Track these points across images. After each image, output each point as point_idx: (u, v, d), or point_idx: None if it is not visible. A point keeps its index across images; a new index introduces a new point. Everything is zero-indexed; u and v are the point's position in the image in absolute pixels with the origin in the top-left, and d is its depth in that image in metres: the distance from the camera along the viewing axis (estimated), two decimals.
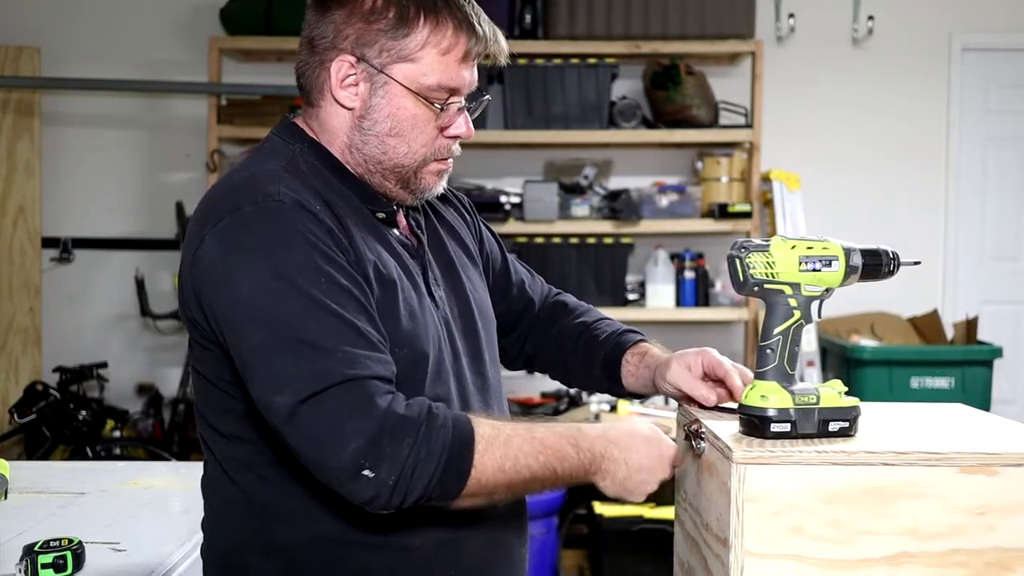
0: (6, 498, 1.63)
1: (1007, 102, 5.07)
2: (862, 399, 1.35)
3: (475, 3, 1.41)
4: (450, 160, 1.45)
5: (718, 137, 4.68)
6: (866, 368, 4.28)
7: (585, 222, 4.59)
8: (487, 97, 1.48)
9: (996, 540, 1.22)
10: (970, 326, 4.52)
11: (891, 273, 1.33)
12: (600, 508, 3.65)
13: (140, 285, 4.51)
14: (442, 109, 1.39)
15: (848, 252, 1.30)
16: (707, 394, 1.48)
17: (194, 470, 1.93)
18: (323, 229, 1.29)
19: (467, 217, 1.65)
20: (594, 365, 1.64)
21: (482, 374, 1.50)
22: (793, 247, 1.28)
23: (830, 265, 1.28)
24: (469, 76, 1.40)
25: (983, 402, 4.29)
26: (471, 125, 1.43)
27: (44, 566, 1.26)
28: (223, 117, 4.65)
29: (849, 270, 1.29)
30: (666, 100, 4.57)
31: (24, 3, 4.93)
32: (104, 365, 4.39)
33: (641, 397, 1.63)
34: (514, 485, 1.29)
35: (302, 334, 1.23)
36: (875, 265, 1.31)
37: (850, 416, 1.29)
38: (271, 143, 1.44)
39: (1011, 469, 1.23)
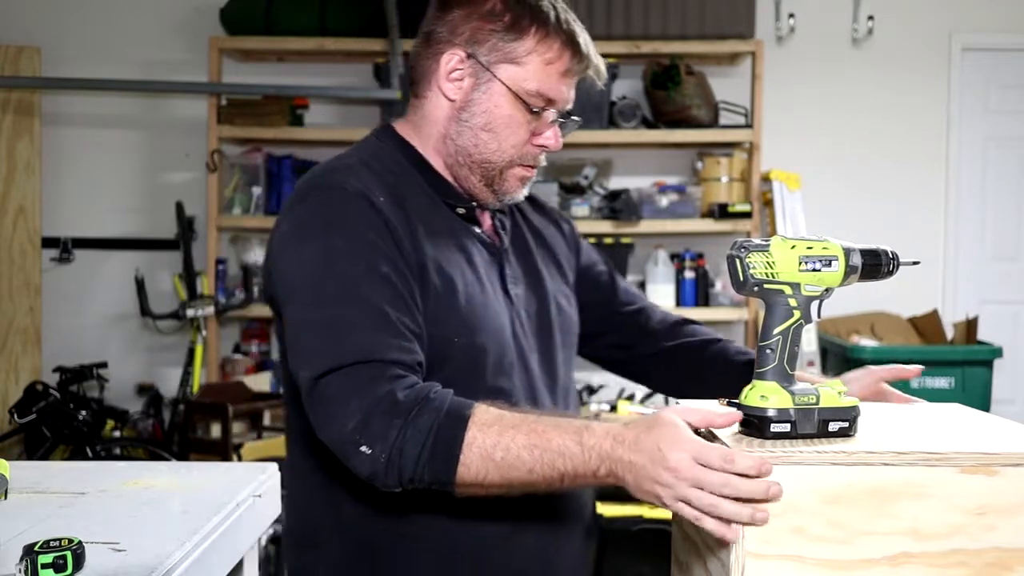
0: (6, 498, 1.63)
1: (1007, 102, 5.07)
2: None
3: (585, 32, 1.50)
4: (535, 169, 1.52)
5: (718, 137, 4.68)
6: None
7: (585, 222, 4.59)
8: (578, 119, 1.54)
9: (996, 540, 1.22)
10: (970, 326, 4.52)
11: (890, 273, 1.33)
12: (600, 508, 3.65)
13: (140, 285, 4.51)
14: (536, 115, 1.47)
15: (848, 252, 1.29)
16: None
17: (194, 470, 1.92)
18: (378, 219, 1.37)
19: (566, 236, 1.71)
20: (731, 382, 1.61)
21: (552, 373, 1.54)
22: (793, 247, 1.28)
23: (830, 265, 1.28)
24: (567, 92, 1.49)
25: (983, 402, 4.29)
26: (560, 139, 1.50)
27: (44, 566, 1.26)
28: (223, 117, 4.65)
29: (849, 270, 1.29)
30: (666, 100, 4.57)
31: (24, 3, 4.93)
32: (104, 365, 4.39)
33: None
34: (508, 476, 1.26)
35: (331, 314, 1.31)
36: (875, 265, 1.31)
37: (850, 416, 1.29)
38: (365, 141, 1.54)
39: (1011, 469, 1.23)
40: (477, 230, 1.52)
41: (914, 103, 5.00)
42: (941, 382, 4.35)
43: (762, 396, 1.27)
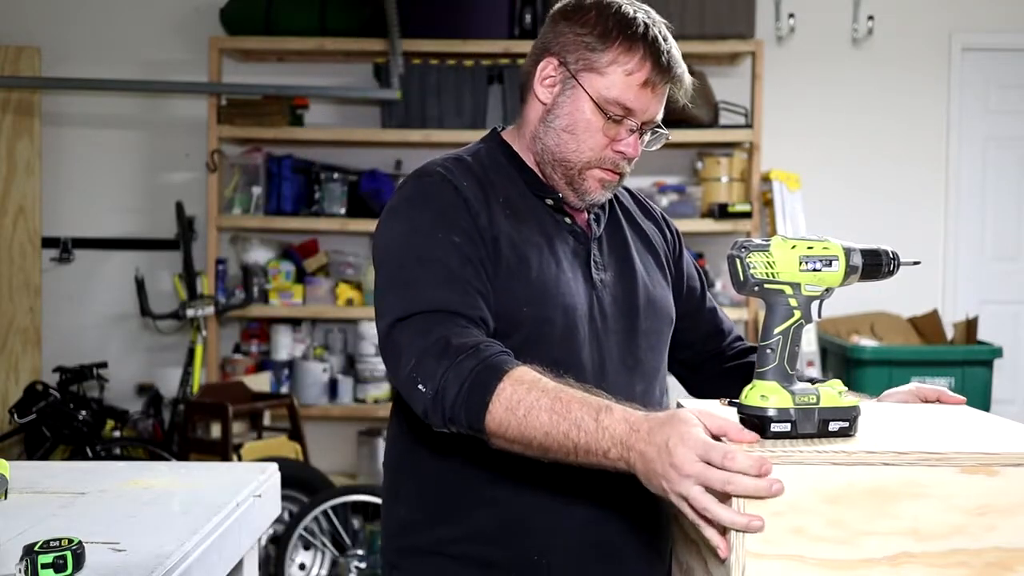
0: (6, 498, 1.63)
1: (1007, 102, 5.07)
2: None
3: (674, 47, 1.60)
4: (617, 175, 1.62)
5: (718, 137, 4.68)
6: (866, 368, 4.28)
7: None
8: (666, 132, 1.65)
9: (996, 540, 1.22)
10: (970, 326, 4.52)
11: (891, 273, 1.33)
12: None
13: (140, 285, 4.51)
14: (613, 122, 1.57)
15: (848, 252, 1.30)
16: None
17: (194, 470, 1.92)
18: (457, 198, 1.53)
19: (668, 237, 1.81)
20: None
21: (634, 356, 1.63)
22: (794, 247, 1.28)
23: (830, 265, 1.28)
24: (647, 103, 1.58)
25: (983, 402, 4.29)
26: (638, 147, 1.61)
27: (44, 566, 1.26)
28: (223, 117, 4.65)
29: (849, 270, 1.29)
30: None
31: (24, 3, 4.93)
32: (104, 365, 4.39)
33: None
34: (526, 434, 1.34)
35: (408, 275, 1.49)
36: (875, 265, 1.32)
37: (850, 416, 1.29)
38: (472, 144, 1.71)
39: (1011, 469, 1.23)
40: (567, 220, 1.64)
41: (914, 103, 5.00)
42: (941, 382, 4.35)
43: (762, 396, 1.27)
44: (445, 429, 1.42)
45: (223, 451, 3.94)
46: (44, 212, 4.88)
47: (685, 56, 1.68)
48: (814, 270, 1.28)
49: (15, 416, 3.99)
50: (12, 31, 4.86)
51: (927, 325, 4.70)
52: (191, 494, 1.70)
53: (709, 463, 1.19)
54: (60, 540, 1.30)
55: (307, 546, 3.89)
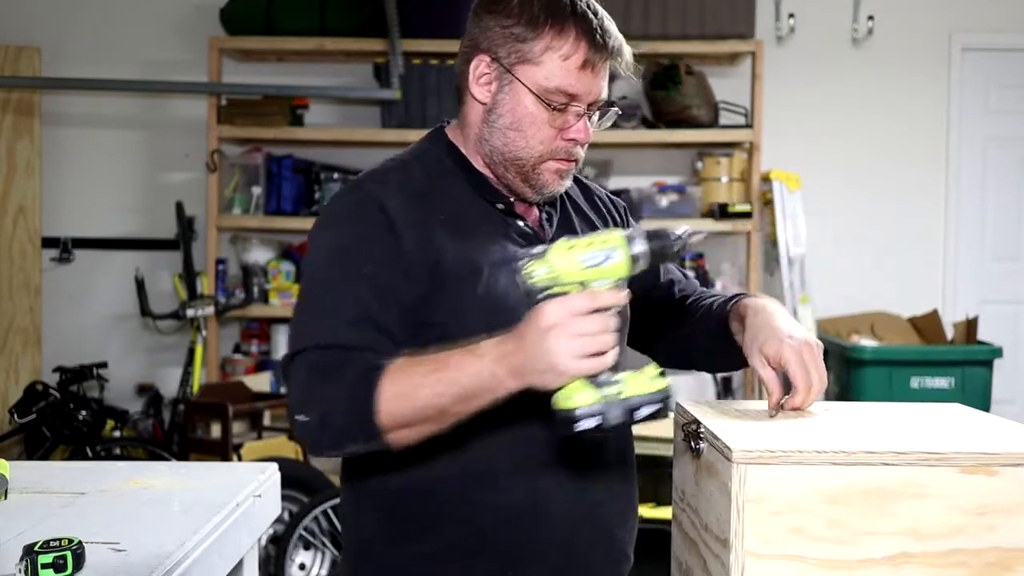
0: (6, 498, 1.63)
1: (1007, 102, 5.08)
2: (862, 399, 1.35)
3: (607, 19, 1.51)
4: (572, 163, 1.55)
5: (718, 137, 4.68)
6: (866, 368, 4.28)
7: None
8: (615, 109, 1.56)
9: (996, 540, 1.22)
10: (970, 326, 4.52)
11: (679, 253, 1.30)
12: None
13: (140, 285, 4.51)
14: (558, 112, 1.49)
15: (630, 240, 1.28)
16: (775, 389, 1.48)
17: (194, 470, 1.92)
18: (381, 221, 1.47)
19: (617, 220, 1.73)
20: (713, 343, 1.64)
21: None
22: (571, 247, 1.27)
23: (611, 257, 1.27)
24: (590, 84, 1.50)
25: (983, 402, 4.29)
26: (589, 131, 1.53)
27: (44, 566, 1.26)
28: (223, 117, 4.65)
29: (634, 258, 1.28)
30: (666, 100, 4.57)
31: (24, 3, 4.93)
32: (104, 365, 4.39)
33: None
34: (420, 407, 1.34)
35: (313, 306, 1.47)
36: (661, 248, 1.29)
37: (659, 399, 1.27)
38: (419, 142, 1.64)
39: (1011, 469, 1.23)
40: (520, 223, 1.56)
41: (914, 103, 5.00)
42: (941, 382, 4.35)
43: (566, 396, 1.27)
44: (336, 453, 1.43)
45: (223, 451, 3.93)
46: (44, 212, 4.88)
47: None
48: (596, 265, 1.27)
49: (15, 416, 3.99)
50: (12, 31, 4.86)
51: (927, 325, 4.70)
52: (191, 494, 1.69)
53: (576, 312, 1.25)
54: (60, 540, 1.30)
55: (307, 546, 3.89)
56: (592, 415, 1.25)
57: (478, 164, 1.58)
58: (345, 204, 1.53)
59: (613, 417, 1.26)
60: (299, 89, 4.73)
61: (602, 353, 1.26)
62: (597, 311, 1.26)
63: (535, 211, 1.60)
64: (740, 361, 1.57)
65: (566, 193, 1.65)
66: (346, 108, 4.92)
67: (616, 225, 1.72)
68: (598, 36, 1.48)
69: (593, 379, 1.26)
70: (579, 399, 1.26)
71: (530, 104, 1.50)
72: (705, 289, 1.79)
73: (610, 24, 1.51)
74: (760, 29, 4.70)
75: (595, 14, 1.50)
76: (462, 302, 1.47)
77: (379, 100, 4.67)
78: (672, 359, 1.77)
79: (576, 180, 1.70)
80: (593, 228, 1.65)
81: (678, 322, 1.73)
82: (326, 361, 1.40)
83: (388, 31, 4.43)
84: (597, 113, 1.53)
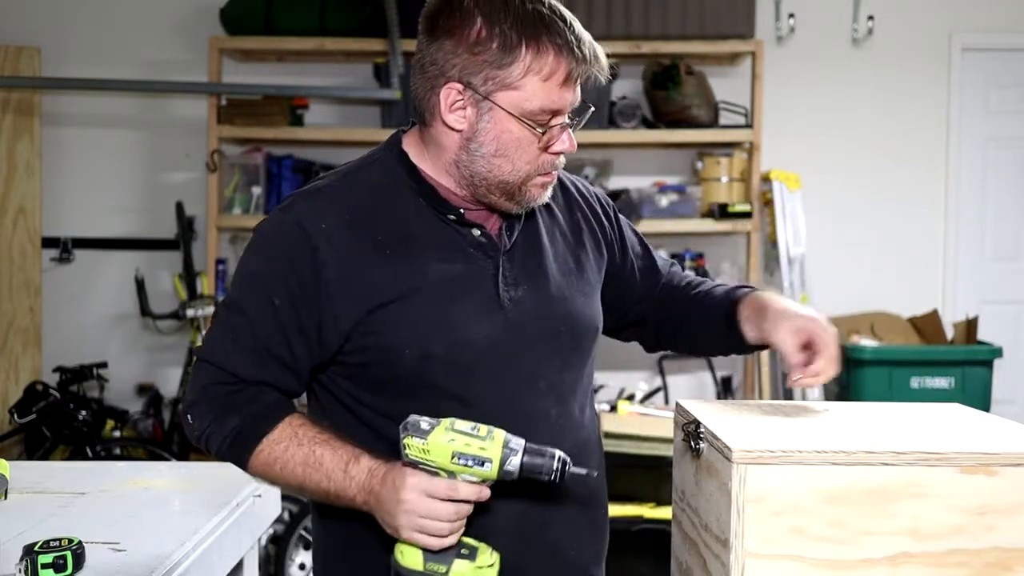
0: (6, 498, 1.63)
1: (1007, 102, 5.07)
2: (862, 399, 1.35)
3: (576, 24, 1.46)
4: (554, 173, 1.51)
5: (718, 137, 4.68)
6: (866, 368, 4.28)
7: None
8: (591, 108, 1.51)
9: (996, 540, 1.22)
10: (970, 326, 4.52)
11: (554, 481, 1.32)
12: None
13: (140, 285, 4.51)
14: (544, 131, 1.45)
15: (505, 457, 1.30)
16: (797, 362, 1.52)
17: (194, 470, 1.92)
18: (304, 250, 1.45)
19: (601, 218, 1.70)
20: (714, 325, 1.66)
21: (547, 378, 1.54)
22: (452, 440, 1.31)
23: (483, 465, 1.31)
24: (571, 96, 1.46)
25: (983, 402, 4.29)
26: (574, 141, 1.50)
27: (44, 566, 1.26)
28: (223, 117, 4.65)
29: (503, 473, 1.31)
30: (666, 100, 4.57)
31: (24, 3, 4.93)
32: (104, 365, 4.39)
33: (763, 348, 1.63)
34: (287, 483, 1.47)
35: (222, 321, 1.50)
36: (535, 471, 1.32)
37: None
38: (374, 149, 1.60)
39: (1011, 469, 1.23)
40: (475, 233, 1.51)
41: (914, 103, 5.00)
42: (941, 382, 4.35)
43: (400, 551, 1.36)
44: (214, 455, 1.53)
45: None
46: (44, 212, 4.88)
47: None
48: (466, 466, 1.31)
49: (15, 416, 3.99)
50: (12, 31, 4.85)
51: (927, 325, 4.70)
52: (191, 494, 1.70)
53: (433, 496, 1.32)
54: (60, 540, 1.30)
55: (307, 546, 3.89)
56: None
57: (437, 175, 1.52)
58: (270, 226, 1.51)
59: None
60: (299, 89, 4.72)
61: (442, 535, 1.33)
62: (452, 500, 1.32)
63: (494, 218, 1.54)
64: (736, 346, 1.64)
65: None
66: (346, 108, 4.92)
67: (600, 220, 1.68)
68: (576, 48, 1.43)
69: (427, 550, 1.35)
70: (407, 560, 1.36)
71: (515, 129, 1.44)
72: (690, 274, 1.80)
73: (580, 28, 1.46)
74: (760, 29, 4.70)
75: (564, 21, 1.44)
76: (398, 322, 1.45)
77: (379, 100, 4.67)
78: (662, 340, 1.78)
79: (559, 179, 1.64)
80: (563, 235, 1.62)
81: (672, 305, 1.74)
82: (222, 390, 1.47)
83: (388, 31, 4.43)
84: (578, 119, 1.50)
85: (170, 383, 4.74)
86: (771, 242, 4.70)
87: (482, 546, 1.37)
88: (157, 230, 4.93)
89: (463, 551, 1.36)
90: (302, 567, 3.89)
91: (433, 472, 1.32)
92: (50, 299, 4.93)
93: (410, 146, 1.55)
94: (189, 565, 1.41)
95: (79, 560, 1.30)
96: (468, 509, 1.34)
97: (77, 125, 4.97)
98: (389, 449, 1.40)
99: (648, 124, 4.66)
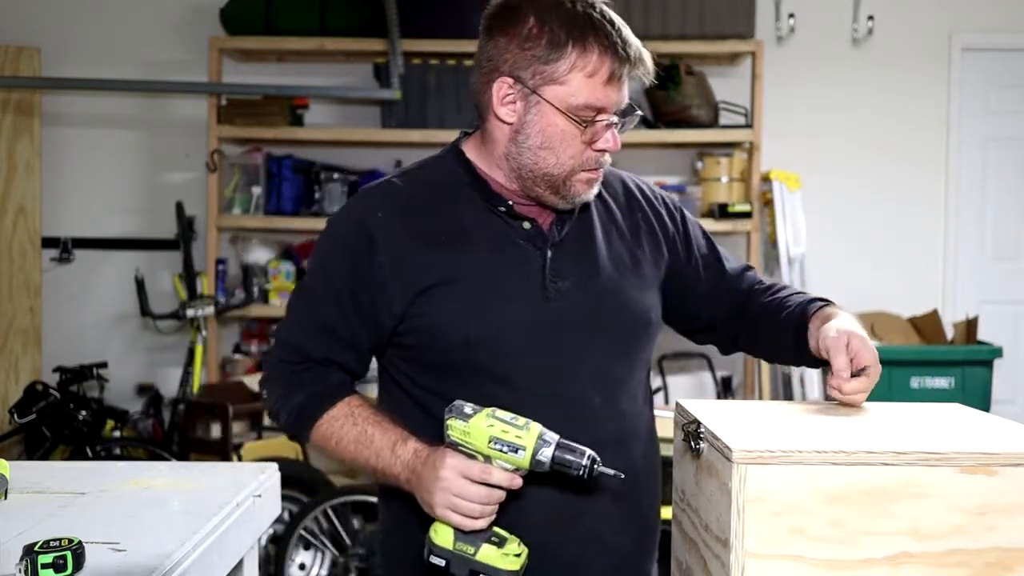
0: (6, 498, 1.63)
1: (1007, 102, 5.07)
2: None
3: (624, 28, 1.53)
4: (600, 170, 1.59)
5: (718, 137, 4.68)
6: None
7: None
8: (639, 113, 1.60)
9: (996, 540, 1.22)
10: (970, 326, 4.52)
11: (582, 477, 1.39)
12: None
13: (140, 285, 4.50)
14: (587, 126, 1.53)
15: (538, 448, 1.37)
16: (843, 368, 1.52)
17: (194, 470, 1.92)
18: (361, 240, 1.58)
19: (664, 218, 1.74)
20: (786, 339, 1.67)
21: (592, 367, 1.60)
22: (491, 425, 1.39)
23: (516, 452, 1.38)
24: (616, 95, 1.54)
25: (983, 402, 4.29)
26: (618, 140, 1.56)
27: (44, 566, 1.26)
28: (223, 117, 4.65)
29: (535, 463, 1.38)
30: (666, 100, 4.57)
31: (24, 3, 4.93)
32: (104, 365, 4.39)
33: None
34: (340, 457, 1.60)
35: (294, 305, 1.66)
36: (565, 465, 1.38)
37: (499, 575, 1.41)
38: (437, 152, 1.70)
39: (1011, 469, 1.23)
40: (525, 226, 1.60)
41: (914, 103, 5.00)
42: (941, 382, 4.35)
43: (434, 529, 1.45)
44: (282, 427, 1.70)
45: (223, 451, 3.93)
46: (44, 212, 4.88)
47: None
48: (501, 451, 1.38)
49: (15, 416, 3.99)
50: (12, 31, 4.85)
51: (927, 325, 4.70)
52: (191, 494, 1.70)
53: (467, 477, 1.41)
54: (60, 540, 1.30)
55: (307, 546, 3.89)
56: (442, 557, 1.44)
57: (494, 174, 1.62)
58: (339, 215, 1.67)
59: (456, 568, 1.43)
60: (299, 89, 4.73)
61: (472, 516, 1.41)
62: (485, 484, 1.40)
63: (547, 212, 1.62)
64: (807, 361, 1.64)
65: (599, 197, 1.67)
66: (346, 108, 4.92)
67: (663, 221, 1.73)
68: (620, 49, 1.51)
69: (459, 530, 1.42)
70: (439, 538, 1.44)
71: (560, 122, 1.53)
72: (767, 279, 1.81)
73: (628, 32, 1.53)
74: (760, 29, 4.70)
75: (612, 24, 1.52)
76: (444, 305, 1.55)
77: (379, 100, 4.67)
78: (740, 345, 1.80)
79: (624, 184, 1.74)
80: (627, 234, 1.68)
81: (743, 310, 1.75)
82: (290, 368, 1.62)
83: (388, 31, 4.43)
84: (623, 120, 1.56)
85: (170, 383, 4.74)
86: (771, 242, 4.70)
87: (512, 537, 1.44)
88: (157, 230, 4.93)
89: (493, 539, 1.42)
90: (302, 567, 3.89)
91: (471, 456, 1.40)
92: (50, 299, 4.93)
93: (468, 146, 1.66)
94: (189, 565, 1.41)
95: (79, 560, 1.29)
96: (500, 495, 1.41)
97: (77, 125, 4.97)
98: (440, 429, 1.46)
99: (648, 124, 4.66)
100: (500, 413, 1.40)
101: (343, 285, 1.59)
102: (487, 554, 1.41)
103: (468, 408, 1.41)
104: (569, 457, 1.37)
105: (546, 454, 1.37)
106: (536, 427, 1.39)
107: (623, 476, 1.41)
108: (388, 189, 1.63)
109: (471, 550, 1.41)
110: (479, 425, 1.39)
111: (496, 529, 1.44)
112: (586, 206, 1.64)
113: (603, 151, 1.56)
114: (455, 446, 1.41)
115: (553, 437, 1.38)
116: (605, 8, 1.54)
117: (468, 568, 1.42)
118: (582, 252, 1.62)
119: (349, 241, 1.60)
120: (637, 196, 1.74)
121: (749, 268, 1.82)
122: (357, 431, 1.56)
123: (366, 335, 1.60)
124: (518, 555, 1.42)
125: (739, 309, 1.76)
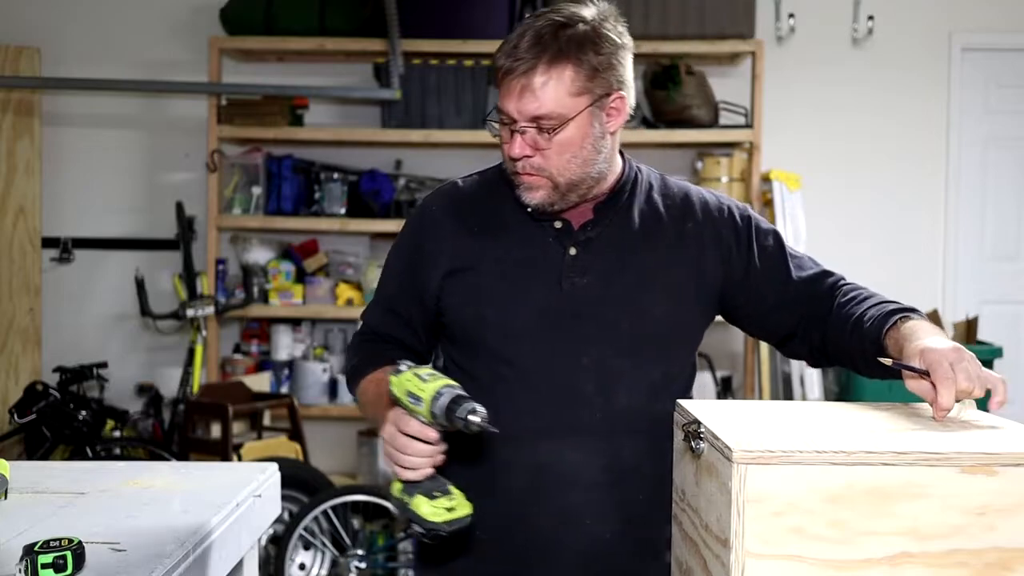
0: (6, 498, 1.64)
1: (1007, 102, 5.07)
2: (862, 399, 1.35)
3: (529, 36, 1.60)
4: (518, 175, 1.66)
5: (718, 137, 4.68)
6: None
7: None
8: (551, 124, 1.62)
9: (996, 540, 1.23)
10: (970, 326, 4.52)
11: (461, 431, 1.46)
12: None
13: (140, 285, 4.50)
14: (503, 125, 1.65)
15: (434, 399, 1.46)
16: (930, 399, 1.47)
17: (194, 470, 1.92)
18: (422, 229, 1.78)
19: (721, 230, 1.76)
20: (867, 351, 1.64)
21: (595, 359, 1.67)
22: (409, 380, 1.50)
23: (418, 401, 1.48)
24: (508, 98, 1.62)
25: (983, 402, 4.28)
26: (514, 147, 1.64)
27: (44, 566, 1.26)
28: (223, 117, 4.65)
29: (433, 414, 1.46)
30: (666, 100, 4.57)
31: (24, 3, 4.93)
32: (104, 365, 4.39)
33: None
34: (364, 415, 1.84)
35: (377, 286, 1.88)
36: (449, 416, 1.45)
37: (427, 527, 1.50)
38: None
39: (1011, 469, 1.23)
40: (557, 225, 1.70)
41: (914, 103, 5.00)
42: None
43: (392, 482, 1.57)
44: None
45: (223, 451, 3.94)
46: (44, 212, 4.88)
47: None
48: (412, 403, 1.49)
49: (15, 416, 3.99)
50: (12, 31, 4.85)
51: None
52: (191, 494, 1.70)
53: (400, 430, 1.52)
54: (60, 540, 1.30)
55: (307, 546, 3.89)
56: (392, 503, 1.59)
57: None
58: (411, 215, 1.86)
59: (399, 514, 1.55)
60: (299, 89, 4.73)
61: (403, 467, 1.52)
62: (404, 434, 1.51)
63: (580, 215, 1.71)
64: (889, 375, 1.61)
65: (646, 200, 1.77)
66: (346, 108, 4.92)
67: (713, 233, 1.75)
68: (504, 57, 1.60)
69: (402, 481, 1.53)
70: (393, 488, 1.56)
71: (495, 124, 1.67)
72: (849, 286, 1.77)
73: (531, 37, 1.59)
74: (760, 29, 4.70)
75: (525, 33, 1.60)
76: (466, 287, 1.71)
77: (379, 100, 4.67)
78: (830, 358, 1.76)
79: (687, 196, 1.82)
80: (669, 237, 1.73)
81: (820, 320, 1.73)
82: (360, 339, 1.84)
83: (388, 31, 4.43)
84: (534, 130, 1.61)
85: (170, 383, 4.74)
86: None
87: (457, 494, 1.53)
88: (157, 230, 4.93)
89: (436, 492, 1.52)
90: (302, 567, 3.89)
91: (407, 412, 1.51)
92: (50, 299, 4.93)
93: None
94: (189, 565, 1.41)
95: (79, 560, 1.29)
96: (429, 449, 1.51)
97: (77, 125, 4.97)
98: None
99: (648, 124, 4.66)
100: (421, 370, 1.51)
101: (403, 269, 1.79)
102: (416, 503, 1.51)
103: (403, 366, 1.53)
104: (455, 408, 1.45)
105: (439, 405, 1.45)
106: (440, 382, 1.48)
107: (496, 431, 1.47)
108: (450, 188, 1.82)
109: (407, 499, 1.52)
110: (400, 380, 1.51)
111: (451, 487, 1.53)
112: (629, 210, 1.73)
113: (510, 156, 1.64)
114: (396, 401, 1.53)
115: (451, 392, 1.46)
116: (550, 15, 1.62)
117: (406, 515, 1.54)
118: (610, 253, 1.70)
119: (411, 230, 1.81)
120: (696, 209, 1.79)
121: (827, 274, 1.78)
122: (373, 392, 1.71)
123: (418, 313, 1.78)
124: (449, 509, 1.51)
125: (816, 318, 1.73)
